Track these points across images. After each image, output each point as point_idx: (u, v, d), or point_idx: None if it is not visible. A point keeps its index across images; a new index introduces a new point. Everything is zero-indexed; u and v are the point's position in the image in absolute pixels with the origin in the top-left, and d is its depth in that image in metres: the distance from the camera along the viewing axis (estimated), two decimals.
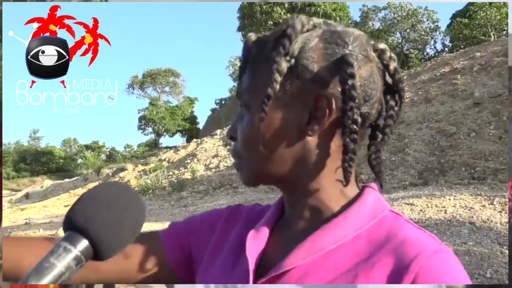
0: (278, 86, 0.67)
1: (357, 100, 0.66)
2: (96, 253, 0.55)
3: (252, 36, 0.75)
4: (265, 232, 0.76)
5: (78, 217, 0.56)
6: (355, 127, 0.66)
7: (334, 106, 0.66)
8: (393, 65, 0.71)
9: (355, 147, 0.67)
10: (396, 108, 0.71)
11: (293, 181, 0.72)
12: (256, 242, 0.74)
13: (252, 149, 0.71)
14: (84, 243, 0.54)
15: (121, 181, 16.33)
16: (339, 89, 0.66)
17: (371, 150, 0.73)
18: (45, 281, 0.51)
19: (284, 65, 0.67)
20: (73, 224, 0.55)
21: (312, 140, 0.69)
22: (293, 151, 0.69)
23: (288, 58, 0.67)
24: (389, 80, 0.71)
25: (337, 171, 0.70)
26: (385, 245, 0.65)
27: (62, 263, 0.52)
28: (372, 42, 0.73)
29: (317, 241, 0.68)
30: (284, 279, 0.68)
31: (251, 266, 0.71)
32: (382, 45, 0.73)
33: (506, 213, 6.30)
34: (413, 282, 0.60)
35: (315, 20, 0.71)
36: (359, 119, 0.66)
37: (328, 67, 0.67)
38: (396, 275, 0.62)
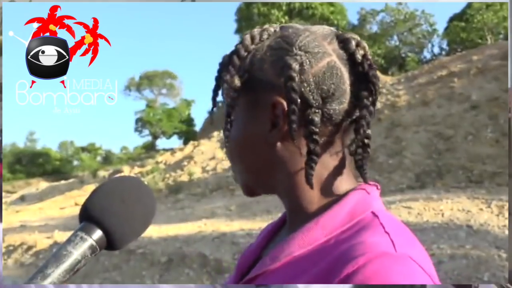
0: (233, 102, 0.70)
1: (312, 100, 0.66)
2: (109, 243, 0.60)
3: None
4: (262, 240, 0.79)
5: (94, 208, 0.60)
6: (313, 128, 0.66)
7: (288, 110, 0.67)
8: (360, 52, 0.69)
9: (316, 148, 0.66)
10: (370, 98, 0.68)
11: (276, 187, 0.73)
12: (250, 250, 0.79)
13: (232, 165, 0.76)
14: (98, 233, 0.59)
15: None
16: None
17: (353, 144, 0.71)
18: (62, 267, 0.55)
19: (236, 81, 0.69)
20: (89, 215, 0.59)
21: (280, 146, 0.69)
22: (266, 160, 0.71)
23: (241, 73, 0.70)
24: (359, 69, 0.69)
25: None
26: (338, 249, 0.62)
27: (78, 251, 0.57)
28: (340, 33, 0.72)
29: (286, 247, 0.67)
30: (255, 283, 0.70)
31: (235, 272, 0.77)
32: (347, 34, 0.71)
33: (503, 216, 6.31)
34: (340, 283, 0.57)
35: (271, 29, 0.73)
36: (316, 119, 0.66)
37: (276, 73, 0.68)
38: (329, 275, 0.59)
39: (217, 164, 16.93)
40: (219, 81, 0.74)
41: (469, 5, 25.39)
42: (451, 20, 27.99)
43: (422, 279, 0.57)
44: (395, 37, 29.61)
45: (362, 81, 0.68)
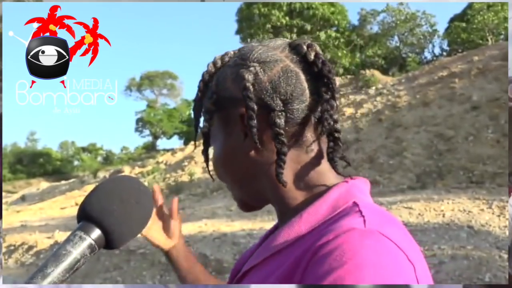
0: (208, 123, 0.77)
1: (273, 104, 0.70)
2: (108, 243, 0.60)
3: None
4: (258, 244, 0.82)
5: (93, 208, 0.60)
6: (277, 129, 0.70)
7: None
8: (312, 53, 0.73)
9: (283, 148, 0.70)
10: (329, 92, 0.72)
11: (264, 194, 0.77)
12: (250, 250, 0.84)
13: (225, 183, 0.81)
14: (97, 233, 0.59)
15: None
16: None
17: (320, 138, 0.75)
18: (62, 266, 0.55)
19: (207, 104, 0.76)
20: (87, 215, 0.60)
21: (254, 153, 0.74)
22: (247, 169, 0.75)
23: (209, 96, 0.76)
24: (314, 68, 0.73)
25: (290, 172, 0.73)
26: (316, 235, 0.63)
27: (77, 251, 0.57)
28: (292, 41, 0.77)
29: (271, 243, 0.71)
30: (243, 281, 0.74)
31: (230, 274, 0.82)
32: (298, 40, 0.76)
33: (504, 217, 6.30)
34: (310, 260, 0.59)
35: (231, 52, 0.80)
36: (278, 121, 0.70)
37: (237, 88, 0.72)
38: (306, 254, 0.61)
39: None
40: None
41: (469, 6, 25.38)
42: (452, 20, 28.00)
43: (394, 254, 0.58)
44: (396, 38, 29.57)
45: (318, 78, 0.72)
